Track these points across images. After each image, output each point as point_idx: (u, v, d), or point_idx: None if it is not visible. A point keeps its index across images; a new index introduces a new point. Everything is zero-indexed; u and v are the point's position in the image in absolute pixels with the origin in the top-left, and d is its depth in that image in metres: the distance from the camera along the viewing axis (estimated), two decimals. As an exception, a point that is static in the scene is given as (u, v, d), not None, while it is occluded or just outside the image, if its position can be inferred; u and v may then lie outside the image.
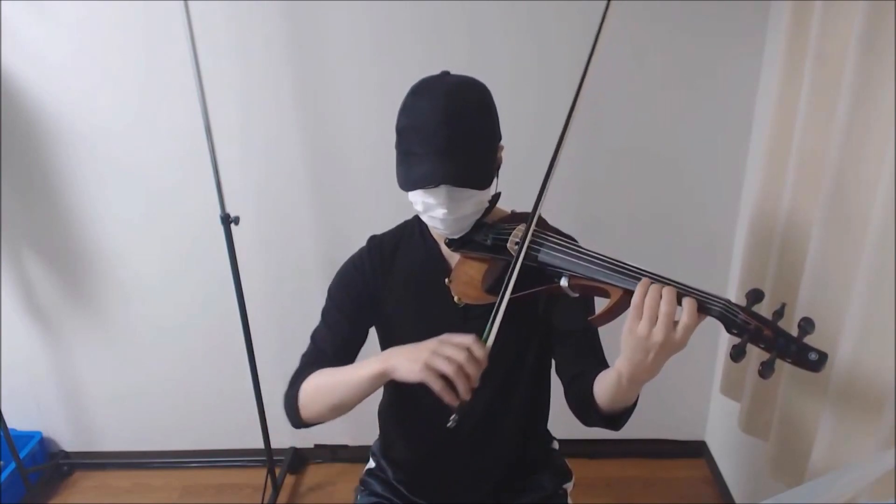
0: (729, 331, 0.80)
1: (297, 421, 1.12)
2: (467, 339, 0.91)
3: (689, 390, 2.19)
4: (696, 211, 1.95)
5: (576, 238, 1.11)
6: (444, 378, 0.89)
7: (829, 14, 1.20)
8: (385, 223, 1.26)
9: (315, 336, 1.20)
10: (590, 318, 0.91)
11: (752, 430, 1.54)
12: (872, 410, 1.09)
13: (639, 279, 0.86)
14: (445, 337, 0.93)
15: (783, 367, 1.34)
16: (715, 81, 1.79)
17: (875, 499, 0.95)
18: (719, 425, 2.18)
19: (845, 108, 1.10)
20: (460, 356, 0.89)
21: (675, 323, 0.81)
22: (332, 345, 1.17)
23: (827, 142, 1.20)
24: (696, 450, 2.30)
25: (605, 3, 0.96)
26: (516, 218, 1.14)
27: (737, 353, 0.78)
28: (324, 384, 1.07)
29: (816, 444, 1.21)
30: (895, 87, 1.03)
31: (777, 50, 1.41)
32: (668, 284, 0.84)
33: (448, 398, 0.90)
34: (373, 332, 1.25)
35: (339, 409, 1.06)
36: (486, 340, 0.93)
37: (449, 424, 0.90)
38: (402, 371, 0.94)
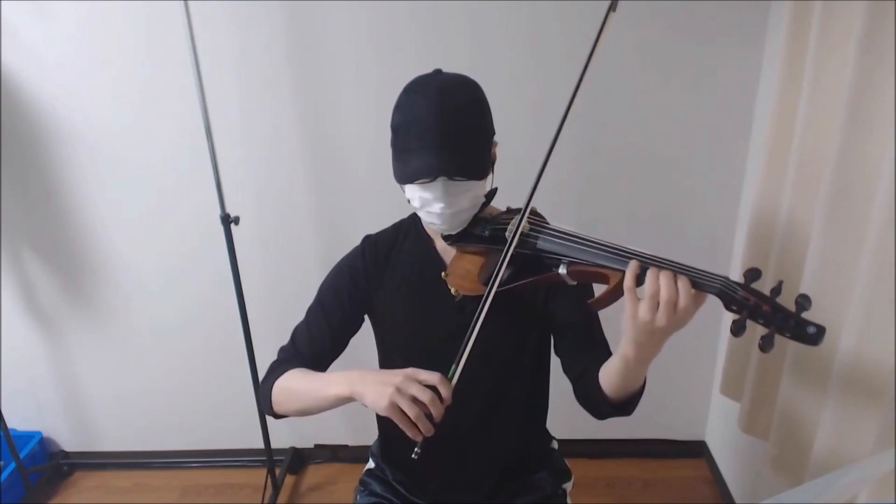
0: (728, 307, 0.80)
1: (271, 413, 1.15)
2: (433, 377, 0.92)
3: (689, 390, 2.19)
4: (696, 211, 1.95)
5: None
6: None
7: (829, 14, 1.20)
8: (385, 223, 1.27)
9: (296, 336, 1.21)
10: (589, 301, 0.92)
11: (752, 430, 1.54)
12: (873, 410, 1.09)
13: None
14: (412, 372, 0.93)
15: (783, 366, 1.34)
16: (715, 81, 1.79)
17: (875, 499, 0.95)
18: (719, 425, 2.18)
19: (845, 108, 1.10)
20: (425, 397, 0.90)
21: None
22: (311, 350, 1.19)
23: (827, 142, 1.20)
24: (696, 450, 2.30)
25: (604, 3, 0.96)
26: (513, 213, 1.14)
27: (737, 329, 0.79)
28: (295, 389, 1.10)
29: (816, 444, 1.21)
30: (895, 87, 1.03)
31: (777, 50, 1.41)
32: (664, 267, 0.84)
33: (412, 434, 0.92)
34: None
35: (306, 413, 1.09)
36: (451, 378, 0.93)
37: (413, 456, 0.92)
38: (369, 401, 0.95)
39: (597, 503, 2.14)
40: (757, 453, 1.77)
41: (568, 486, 1.35)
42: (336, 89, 1.83)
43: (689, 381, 2.16)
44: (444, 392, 0.91)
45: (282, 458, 2.29)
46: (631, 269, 0.85)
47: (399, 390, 0.91)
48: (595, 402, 1.04)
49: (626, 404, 1.01)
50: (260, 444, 2.11)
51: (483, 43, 1.76)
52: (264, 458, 2.13)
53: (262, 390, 1.15)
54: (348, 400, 0.99)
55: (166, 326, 2.16)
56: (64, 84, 1.86)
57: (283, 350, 1.21)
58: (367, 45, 1.78)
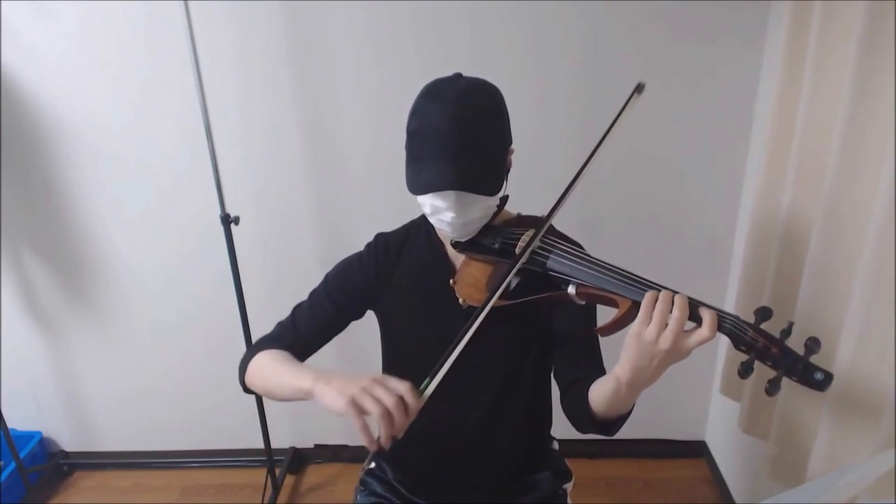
0: (737, 347, 0.80)
1: (242, 384, 1.14)
2: (402, 386, 0.87)
3: (689, 390, 2.19)
4: (696, 211, 1.95)
5: (580, 242, 1.11)
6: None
7: (829, 14, 1.20)
8: (386, 223, 1.26)
9: (296, 313, 1.20)
10: (597, 329, 0.90)
11: (752, 430, 1.54)
12: (872, 411, 1.09)
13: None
14: (381, 377, 0.89)
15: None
16: (715, 81, 1.79)
17: (875, 499, 0.95)
18: (719, 425, 2.18)
19: (845, 108, 1.11)
20: (389, 401, 0.84)
21: (685, 332, 0.80)
22: (310, 328, 1.18)
23: (827, 142, 1.21)
24: (696, 450, 2.30)
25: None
26: (523, 221, 1.14)
27: (745, 370, 0.79)
28: (266, 369, 1.08)
29: (816, 445, 1.21)
30: (895, 87, 1.03)
31: (777, 50, 1.42)
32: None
33: (366, 439, 0.86)
34: (374, 326, 1.25)
35: (269, 396, 1.08)
36: (422, 392, 0.88)
37: (360, 471, 0.87)
38: (327, 400, 0.90)
39: (597, 503, 2.14)
40: (757, 453, 1.77)
41: (568, 486, 1.35)
42: (336, 89, 1.83)
43: (689, 381, 2.16)
44: (411, 402, 0.86)
45: (282, 458, 2.29)
46: (651, 291, 0.83)
47: (364, 390, 0.86)
48: (579, 415, 1.02)
49: (609, 425, 0.99)
50: (260, 444, 2.11)
51: (483, 43, 1.76)
52: (264, 458, 2.13)
53: (242, 361, 1.14)
54: (307, 396, 0.95)
55: (166, 326, 2.16)
56: (64, 84, 1.86)
57: (280, 325, 1.20)
58: (367, 45, 1.78)
